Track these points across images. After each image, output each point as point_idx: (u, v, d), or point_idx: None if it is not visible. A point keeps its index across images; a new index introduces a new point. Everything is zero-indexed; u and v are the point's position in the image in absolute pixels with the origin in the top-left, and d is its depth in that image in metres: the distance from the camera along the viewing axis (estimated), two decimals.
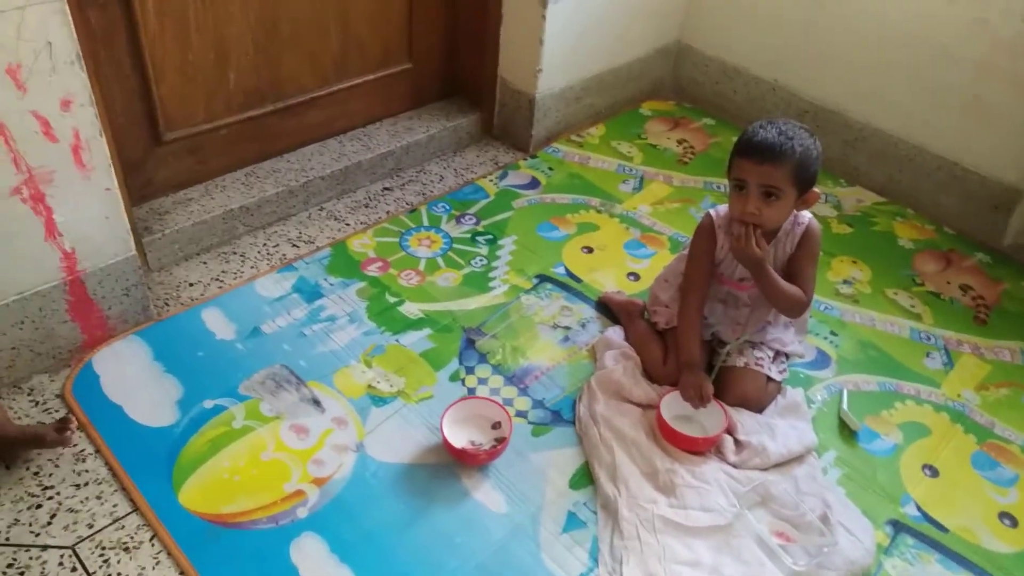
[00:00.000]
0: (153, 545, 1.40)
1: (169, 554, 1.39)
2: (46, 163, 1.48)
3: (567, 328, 1.89)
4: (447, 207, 2.23)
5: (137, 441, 1.55)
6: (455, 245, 2.10)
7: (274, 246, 2.06)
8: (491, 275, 2.02)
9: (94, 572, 1.36)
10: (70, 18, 1.39)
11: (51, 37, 1.38)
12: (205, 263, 1.99)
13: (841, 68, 2.42)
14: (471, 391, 1.72)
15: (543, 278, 2.02)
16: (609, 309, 1.94)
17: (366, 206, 2.22)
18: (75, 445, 1.54)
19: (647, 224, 2.24)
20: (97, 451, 1.53)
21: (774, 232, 1.63)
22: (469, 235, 2.13)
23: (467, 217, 2.20)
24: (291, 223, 2.14)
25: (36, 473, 1.49)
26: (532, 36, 2.29)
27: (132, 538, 1.41)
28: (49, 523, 1.42)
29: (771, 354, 1.73)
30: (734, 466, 1.58)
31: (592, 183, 2.37)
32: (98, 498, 1.47)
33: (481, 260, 2.06)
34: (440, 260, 2.05)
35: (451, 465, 1.57)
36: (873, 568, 1.46)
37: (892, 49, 2.29)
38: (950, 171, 2.30)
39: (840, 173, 2.50)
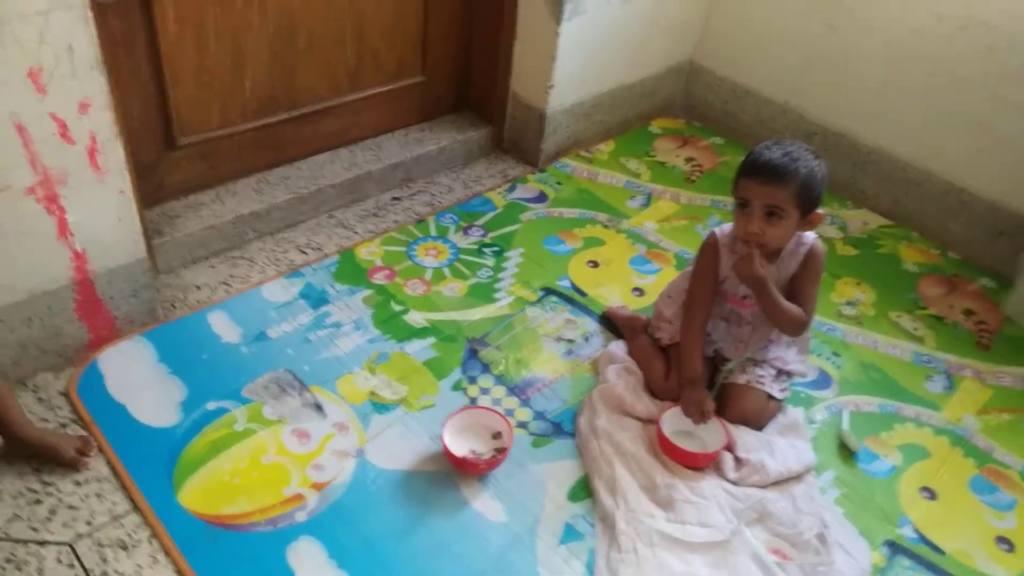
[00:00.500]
0: (151, 544, 1.41)
1: (167, 553, 1.40)
2: (62, 164, 1.50)
3: (571, 341, 1.90)
4: (455, 218, 2.25)
5: (139, 440, 1.57)
6: (462, 256, 2.11)
7: (282, 252, 2.07)
8: (497, 286, 2.03)
9: (91, 569, 1.37)
10: (92, 24, 1.41)
11: (73, 42, 1.40)
12: (213, 267, 2.01)
13: (850, 91, 2.43)
14: (473, 401, 1.73)
15: (548, 291, 2.03)
16: (613, 323, 1.95)
17: (375, 215, 2.24)
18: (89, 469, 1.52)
19: (653, 240, 2.25)
20: (99, 449, 1.55)
21: (777, 251, 1.63)
22: (476, 246, 2.15)
23: (475, 229, 2.21)
24: (300, 230, 2.15)
25: (37, 469, 1.51)
26: (545, 53, 2.31)
27: (131, 536, 1.42)
28: (48, 519, 1.43)
29: (773, 372, 1.73)
30: (733, 483, 1.58)
31: (600, 198, 2.39)
32: (98, 496, 1.48)
33: (487, 271, 2.07)
34: (446, 270, 2.06)
35: (451, 474, 1.58)
36: None
37: (902, 74, 2.30)
38: (957, 196, 2.30)
39: (847, 195, 2.51)
